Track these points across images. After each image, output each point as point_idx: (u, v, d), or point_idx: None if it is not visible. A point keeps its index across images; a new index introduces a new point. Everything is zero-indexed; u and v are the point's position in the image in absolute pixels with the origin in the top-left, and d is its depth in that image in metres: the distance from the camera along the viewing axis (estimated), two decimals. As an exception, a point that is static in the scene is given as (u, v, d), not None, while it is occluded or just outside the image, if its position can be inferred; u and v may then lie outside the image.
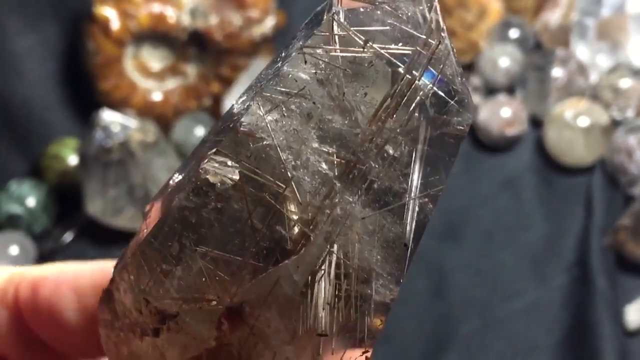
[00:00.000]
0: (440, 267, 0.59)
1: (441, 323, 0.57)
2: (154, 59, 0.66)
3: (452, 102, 0.22)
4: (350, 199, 0.21)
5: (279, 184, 0.21)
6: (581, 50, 0.67)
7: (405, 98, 0.21)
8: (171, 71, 0.66)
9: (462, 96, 0.22)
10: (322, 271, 0.21)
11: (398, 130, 0.21)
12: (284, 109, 0.21)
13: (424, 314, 0.57)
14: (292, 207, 0.21)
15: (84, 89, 0.65)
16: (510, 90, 0.67)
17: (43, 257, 0.61)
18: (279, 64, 0.22)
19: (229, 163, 0.21)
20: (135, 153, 0.60)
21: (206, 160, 0.21)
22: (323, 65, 0.21)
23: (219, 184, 0.21)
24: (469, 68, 0.68)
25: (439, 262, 0.59)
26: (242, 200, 0.21)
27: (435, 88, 0.21)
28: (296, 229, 0.21)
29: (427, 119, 0.21)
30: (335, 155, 0.21)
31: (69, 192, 0.62)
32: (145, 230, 0.22)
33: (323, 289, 0.21)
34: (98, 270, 0.26)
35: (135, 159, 0.60)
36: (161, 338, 0.22)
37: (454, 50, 0.22)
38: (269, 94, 0.21)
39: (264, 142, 0.21)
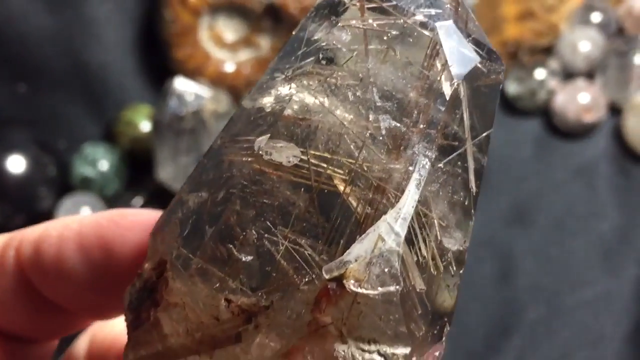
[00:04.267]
0: (507, 251, 0.58)
1: (507, 307, 0.56)
2: (229, 30, 0.66)
3: (483, 53, 0.22)
4: (427, 146, 0.21)
5: (350, 151, 0.21)
6: (667, 37, 0.64)
7: (443, 56, 0.22)
8: (245, 43, 0.66)
9: (489, 48, 0.23)
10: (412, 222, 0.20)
11: (445, 79, 0.22)
12: (337, 78, 0.21)
13: (490, 298, 0.56)
14: (372, 167, 0.21)
15: (159, 56, 0.65)
16: (589, 75, 0.65)
17: (113, 220, 0.62)
18: (305, 49, 0.22)
19: (287, 145, 0.21)
20: (207, 122, 0.61)
21: (261, 146, 0.21)
22: (363, 34, 0.22)
23: (287, 161, 0.21)
24: (548, 51, 0.66)
25: (507, 246, 0.58)
26: (306, 175, 0.20)
27: (470, 40, 0.22)
28: (376, 187, 0.20)
29: (465, 75, 0.22)
30: (402, 107, 0.21)
31: (141, 157, 0.63)
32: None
33: (415, 241, 0.21)
34: (102, 220, 0.24)
35: (207, 128, 0.61)
36: (244, 342, 0.20)
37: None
38: (315, 72, 0.21)
39: (319, 118, 0.21)
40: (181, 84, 0.61)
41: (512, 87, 0.64)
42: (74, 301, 0.25)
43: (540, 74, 0.64)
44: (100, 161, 0.63)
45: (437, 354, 0.21)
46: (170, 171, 0.61)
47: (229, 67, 0.66)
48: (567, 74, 0.66)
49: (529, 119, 0.64)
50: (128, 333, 0.22)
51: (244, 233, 0.20)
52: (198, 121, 0.60)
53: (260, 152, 0.21)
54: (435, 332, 0.21)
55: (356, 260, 0.20)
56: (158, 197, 0.63)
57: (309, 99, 0.21)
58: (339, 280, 0.20)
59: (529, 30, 0.65)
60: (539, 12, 0.66)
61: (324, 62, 0.22)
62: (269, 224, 0.20)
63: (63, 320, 0.26)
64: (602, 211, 0.59)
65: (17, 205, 0.61)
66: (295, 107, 0.21)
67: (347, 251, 0.20)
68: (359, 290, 0.20)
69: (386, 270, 0.20)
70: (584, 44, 0.65)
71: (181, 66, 0.65)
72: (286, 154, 0.21)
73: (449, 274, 0.22)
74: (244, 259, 0.20)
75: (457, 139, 0.22)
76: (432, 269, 0.21)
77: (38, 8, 0.64)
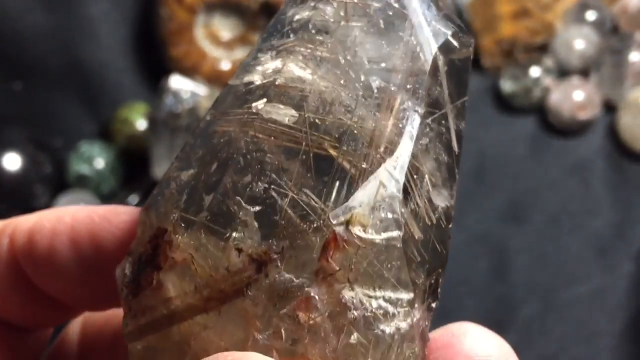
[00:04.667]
0: (502, 248, 0.58)
1: (501, 304, 0.56)
2: (225, 28, 0.67)
3: (455, 28, 0.24)
4: (417, 102, 0.22)
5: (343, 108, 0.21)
6: (661, 35, 0.65)
7: (419, 29, 0.23)
8: (240, 41, 0.67)
9: (458, 23, 0.24)
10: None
11: (423, 46, 0.23)
12: (325, 50, 0.22)
13: (484, 294, 0.56)
14: (364, 125, 0.21)
15: (155, 55, 0.66)
16: (584, 73, 0.66)
17: (109, 217, 0.62)
18: (289, 27, 0.23)
19: (283, 107, 0.21)
20: (202, 120, 0.61)
21: (259, 107, 0.21)
22: (345, 8, 0.23)
23: (287, 120, 0.21)
24: (543, 49, 0.66)
25: (502, 243, 0.59)
26: (300, 140, 0.21)
27: (442, 15, 0.24)
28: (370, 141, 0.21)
29: (440, 46, 0.23)
30: (388, 70, 0.22)
31: (137, 155, 0.64)
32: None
33: (410, 191, 0.21)
34: (95, 216, 0.24)
35: (202, 125, 0.61)
36: (254, 293, 0.20)
37: None
38: (302, 45, 0.22)
39: (309, 85, 0.22)
40: (177, 82, 0.62)
41: (508, 85, 0.65)
42: (65, 293, 0.25)
43: (535, 71, 0.65)
44: (96, 159, 0.63)
45: (434, 305, 0.22)
46: (165, 169, 0.61)
47: (225, 65, 0.66)
48: (562, 72, 0.66)
49: (524, 117, 0.64)
50: (126, 304, 0.22)
51: (250, 186, 0.21)
52: (194, 118, 0.61)
53: (260, 113, 0.21)
54: (432, 282, 0.22)
55: (360, 206, 0.20)
56: (154, 194, 0.63)
57: (298, 70, 0.22)
58: (346, 226, 0.20)
59: (524, 29, 0.66)
60: (534, 11, 0.66)
61: (312, 32, 0.22)
62: (274, 176, 0.21)
63: (56, 309, 0.26)
64: (597, 208, 0.60)
65: (13, 202, 0.61)
66: (286, 77, 0.22)
67: (352, 197, 0.20)
68: (364, 235, 0.20)
69: (389, 215, 0.20)
70: (579, 42, 0.65)
71: (177, 64, 0.65)
72: (285, 113, 0.21)
73: (441, 227, 0.22)
74: (252, 210, 0.20)
75: (438, 102, 0.23)
76: (426, 220, 0.21)
77: (34, 6, 0.64)
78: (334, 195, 0.21)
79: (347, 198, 0.20)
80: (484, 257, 0.58)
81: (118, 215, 0.24)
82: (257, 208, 0.20)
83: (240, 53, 0.67)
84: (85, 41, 0.65)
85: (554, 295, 0.56)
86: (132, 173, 0.64)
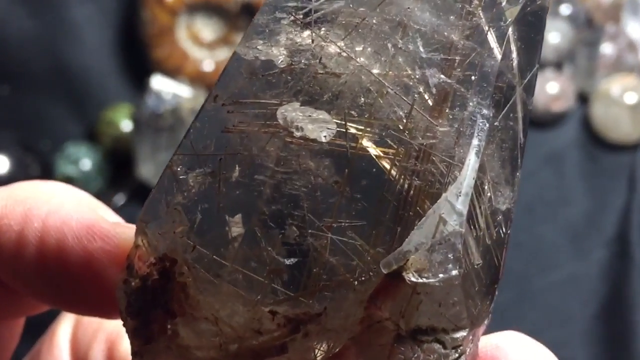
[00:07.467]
0: (479, 238, 0.60)
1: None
2: (206, 29, 0.68)
3: None
4: (483, 103, 0.18)
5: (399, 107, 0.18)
6: (632, 27, 0.66)
7: None
8: (222, 41, 0.68)
9: None
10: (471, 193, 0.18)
11: (489, 17, 0.19)
12: (371, 24, 0.18)
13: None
14: (415, 130, 0.18)
15: (139, 57, 0.66)
16: (558, 66, 0.67)
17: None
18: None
19: (319, 113, 0.18)
20: (185, 119, 0.62)
21: (288, 118, 0.18)
22: None
23: (323, 137, 0.18)
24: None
25: (478, 233, 0.60)
26: (337, 144, 0.18)
27: None
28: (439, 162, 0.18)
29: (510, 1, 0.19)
30: (448, 59, 0.18)
31: (123, 156, 0.64)
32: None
33: (473, 214, 0.18)
34: (69, 233, 0.21)
35: (185, 125, 0.62)
36: (292, 352, 0.18)
37: None
38: (341, 17, 0.18)
39: (350, 75, 0.18)
40: (159, 82, 0.62)
41: (484, 79, 0.66)
42: (31, 293, 0.23)
43: (510, 65, 0.66)
44: (82, 160, 0.64)
45: (486, 322, 0.20)
46: (150, 168, 0.63)
47: (208, 66, 0.67)
48: (537, 65, 0.67)
49: (500, 110, 0.66)
50: (134, 344, 0.19)
51: (283, 231, 0.17)
52: (176, 118, 0.62)
53: (290, 131, 0.18)
54: (488, 302, 0.19)
55: (416, 250, 0.17)
56: (139, 194, 0.64)
57: (335, 51, 0.18)
58: (398, 273, 0.17)
59: (500, 23, 0.67)
60: (509, 6, 0.68)
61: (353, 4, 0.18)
62: (311, 216, 0.17)
63: (23, 302, 0.24)
64: (571, 196, 0.61)
65: (1, 204, 0.62)
66: (321, 62, 0.18)
67: (407, 240, 0.17)
68: (420, 280, 0.17)
69: (449, 255, 0.17)
70: (554, 35, 0.66)
71: (160, 66, 0.66)
72: (320, 126, 0.18)
73: (500, 237, 0.19)
74: (287, 262, 0.17)
75: (508, 86, 0.19)
76: (487, 239, 0.19)
77: (19, 12, 0.65)
78: (384, 234, 0.17)
79: (400, 240, 0.17)
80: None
81: (94, 241, 0.21)
82: (293, 260, 0.17)
83: (222, 54, 0.67)
84: (69, 45, 0.66)
85: (528, 282, 0.58)
86: (118, 173, 0.65)
